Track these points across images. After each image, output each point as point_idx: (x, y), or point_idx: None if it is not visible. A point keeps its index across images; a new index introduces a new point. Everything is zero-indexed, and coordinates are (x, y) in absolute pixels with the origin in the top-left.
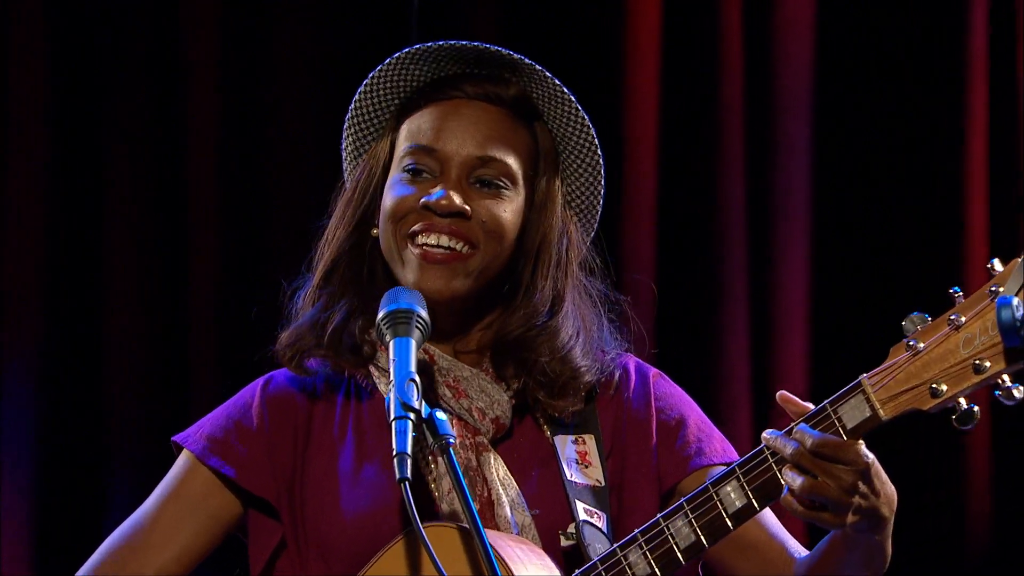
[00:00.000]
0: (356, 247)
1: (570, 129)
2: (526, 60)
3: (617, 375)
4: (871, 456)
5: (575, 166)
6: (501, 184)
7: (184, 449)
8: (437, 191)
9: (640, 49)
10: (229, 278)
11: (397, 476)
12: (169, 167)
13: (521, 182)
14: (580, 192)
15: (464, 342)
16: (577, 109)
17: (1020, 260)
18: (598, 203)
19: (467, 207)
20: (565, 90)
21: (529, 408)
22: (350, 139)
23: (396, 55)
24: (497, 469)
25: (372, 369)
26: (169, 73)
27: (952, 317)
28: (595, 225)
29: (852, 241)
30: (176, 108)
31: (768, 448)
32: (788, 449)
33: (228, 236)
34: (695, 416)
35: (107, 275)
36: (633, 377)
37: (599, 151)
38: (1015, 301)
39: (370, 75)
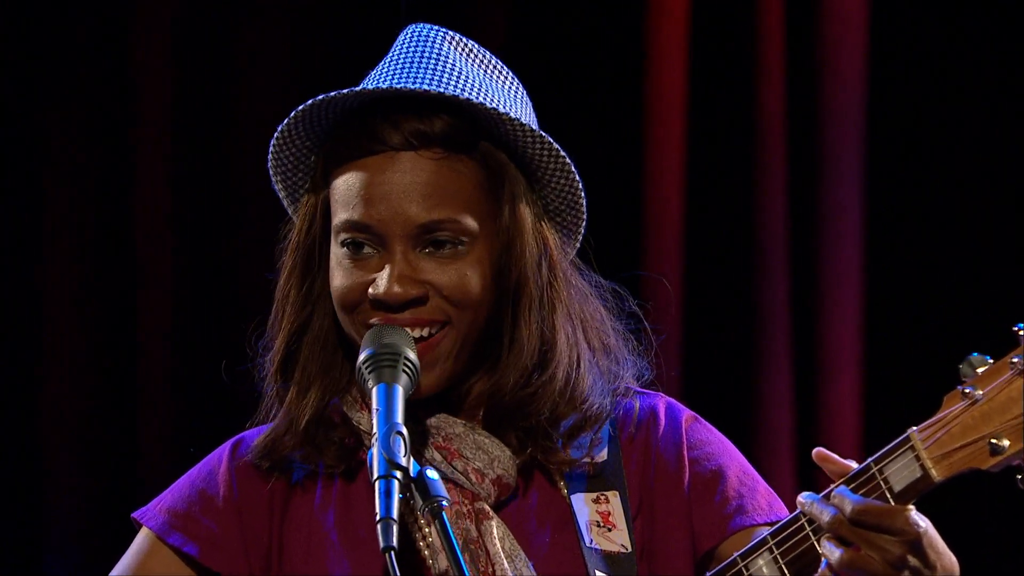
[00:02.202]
0: (309, 323)
1: (518, 138)
2: (444, 93)
3: (645, 418)
4: (924, 523)
5: (538, 166)
6: (457, 243)
7: (143, 526)
8: (383, 279)
9: (664, 47)
10: (182, 334)
11: (381, 545)
12: (114, 191)
13: (478, 225)
14: (555, 192)
15: (454, 396)
16: (514, 121)
17: None
18: (580, 198)
19: (422, 290)
20: (497, 109)
21: (538, 461)
22: (279, 185)
23: (308, 102)
24: (502, 540)
25: (359, 427)
26: (116, 85)
27: (1015, 360)
28: (583, 218)
29: (912, 268)
30: (122, 132)
31: (804, 515)
32: (825, 516)
33: (182, 265)
34: (736, 466)
35: (47, 334)
36: (663, 421)
37: (555, 146)
38: None
39: (284, 122)
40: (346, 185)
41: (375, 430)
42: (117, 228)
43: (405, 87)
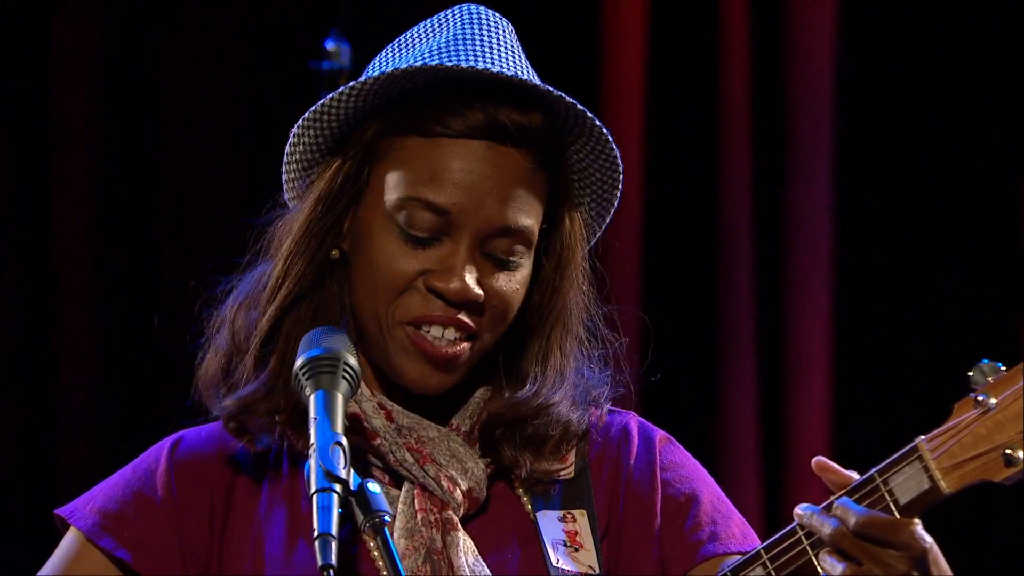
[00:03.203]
0: (308, 295)
1: (592, 155)
2: (541, 86)
3: (616, 437)
4: (929, 539)
5: (600, 183)
6: (518, 255)
7: (71, 526)
8: (459, 275)
9: (622, 35)
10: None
11: (319, 562)
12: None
13: (541, 235)
14: (599, 201)
15: (434, 401)
16: (602, 132)
17: None
18: (612, 208)
19: (480, 293)
20: (588, 114)
21: (506, 475)
22: (303, 147)
23: (384, 70)
24: (466, 553)
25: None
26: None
27: None
28: (606, 223)
29: (884, 266)
30: (41, 131)
31: (802, 527)
32: (826, 529)
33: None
34: (710, 492)
35: None
36: (635, 440)
37: (615, 150)
38: None
39: (349, 84)
40: (422, 161)
41: (313, 440)
42: (36, 231)
43: (502, 73)
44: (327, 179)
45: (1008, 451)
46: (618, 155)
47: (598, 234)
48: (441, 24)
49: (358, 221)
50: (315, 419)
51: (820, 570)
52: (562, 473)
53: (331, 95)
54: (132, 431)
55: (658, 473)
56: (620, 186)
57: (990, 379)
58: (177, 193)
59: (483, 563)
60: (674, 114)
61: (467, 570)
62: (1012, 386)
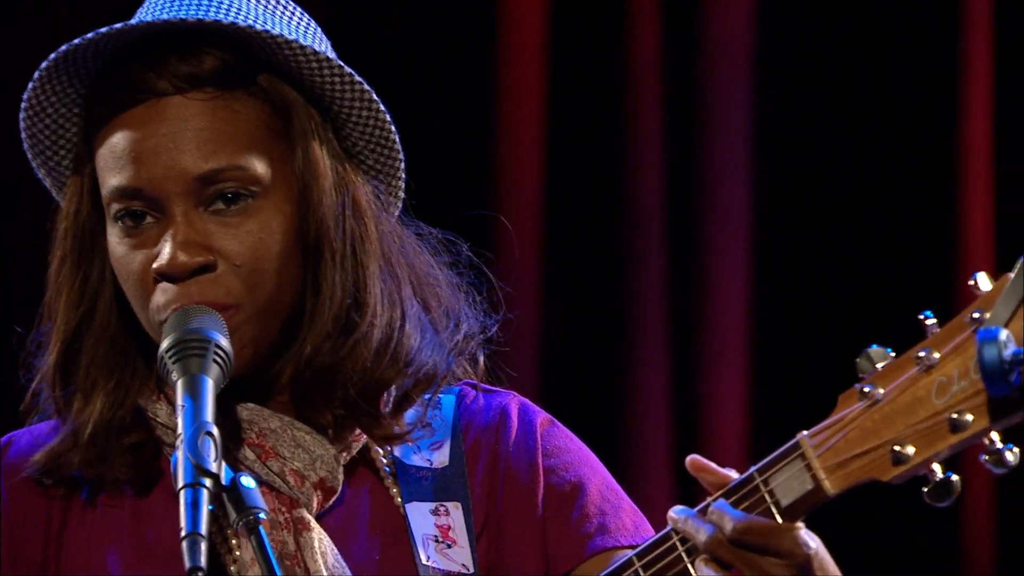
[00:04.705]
0: (90, 319)
1: (304, 67)
2: (204, 20)
3: (493, 420)
4: (814, 543)
5: (334, 99)
6: (247, 195)
7: None
8: (165, 248)
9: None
10: None
11: (187, 565)
12: None
13: (269, 171)
14: (359, 129)
15: (265, 381)
16: (292, 44)
17: (1013, 276)
18: (389, 134)
19: (208, 256)
20: (271, 32)
21: (369, 461)
22: (40, 169)
23: (51, 57)
24: (324, 554)
25: (157, 429)
26: None
27: (921, 354)
28: (398, 159)
29: (805, 243)
30: None
31: (677, 532)
32: (701, 535)
33: None
34: (598, 479)
35: None
36: (515, 424)
37: (348, 70)
38: (1003, 335)
39: (29, 86)
40: (109, 148)
41: (180, 430)
42: None
43: (158, 19)
44: (68, 194)
45: (897, 447)
46: (322, 55)
47: (394, 152)
48: None
49: (103, 238)
50: (182, 406)
51: None
52: (434, 462)
53: (23, 102)
54: None
55: (540, 460)
56: (362, 94)
57: (878, 367)
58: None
59: (344, 564)
60: (578, 76)
61: (325, 573)
62: (902, 375)
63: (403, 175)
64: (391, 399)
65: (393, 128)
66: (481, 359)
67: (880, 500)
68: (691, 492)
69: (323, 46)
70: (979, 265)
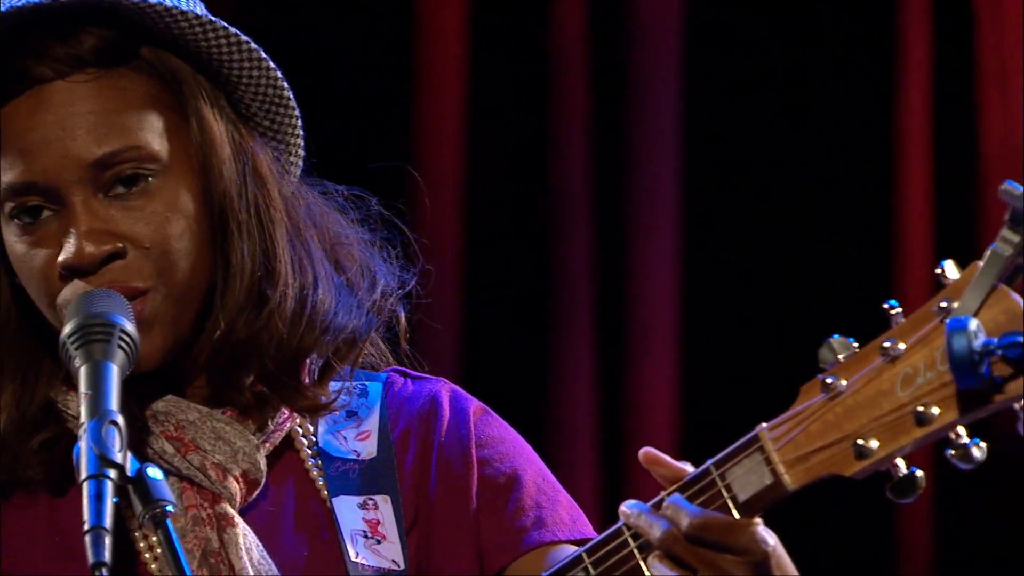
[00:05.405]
0: (13, 314)
1: (187, 33)
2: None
3: (423, 408)
4: (772, 540)
5: (222, 62)
6: (146, 175)
7: None
8: (70, 242)
9: None
10: None
11: (91, 560)
12: None
13: (167, 148)
14: (251, 91)
15: (183, 370)
16: (172, 11)
17: (983, 264)
18: (283, 92)
19: (116, 244)
20: (159, 2)
21: (294, 451)
22: None
23: None
24: (249, 550)
25: (68, 422)
26: None
27: (886, 344)
28: (295, 117)
29: (736, 236)
30: None
31: (628, 528)
32: (655, 531)
33: None
34: (534, 471)
35: None
36: (446, 412)
37: (232, 30)
38: (973, 325)
39: None
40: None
41: (84, 419)
42: None
43: (29, 3)
44: None
45: (860, 441)
46: (203, 17)
47: (290, 111)
48: None
49: None
50: (86, 394)
51: None
52: (362, 454)
53: None
54: None
55: (473, 450)
56: (250, 54)
57: (841, 357)
58: None
59: (270, 560)
60: (501, 54)
61: (251, 570)
62: (865, 366)
63: (301, 132)
64: (314, 369)
65: (286, 85)
66: (403, 315)
67: (823, 497)
68: (617, 486)
69: (199, 9)
70: (917, 255)
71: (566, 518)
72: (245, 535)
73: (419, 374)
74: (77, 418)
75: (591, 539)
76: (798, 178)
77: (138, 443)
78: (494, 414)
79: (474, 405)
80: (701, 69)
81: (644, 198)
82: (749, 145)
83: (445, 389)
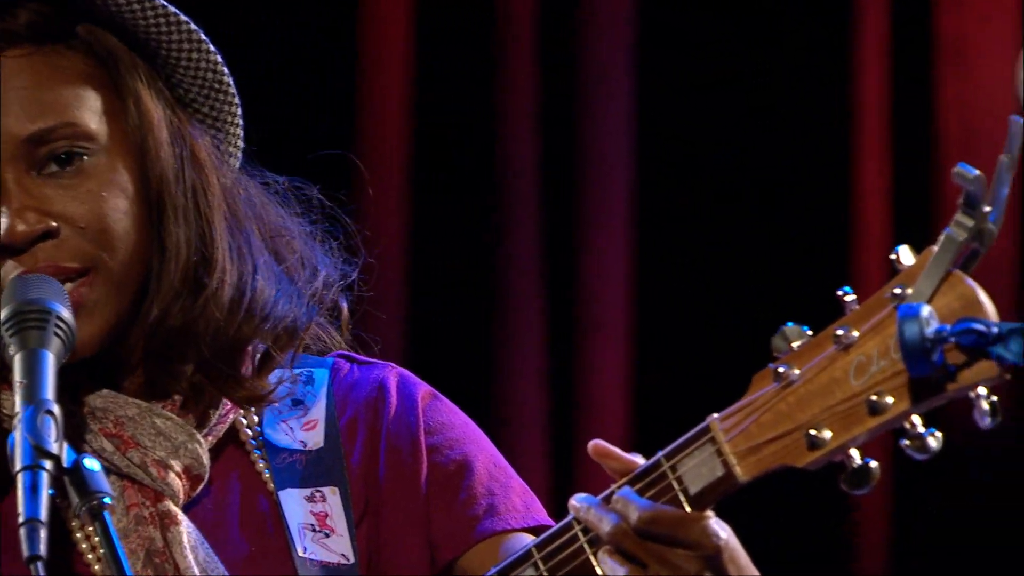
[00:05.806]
0: None
1: (122, 12)
2: None
3: (371, 395)
4: (724, 533)
5: (160, 43)
6: (80, 151)
7: None
8: (2, 219)
9: None
10: None
11: (25, 553)
12: None
13: (105, 128)
14: (190, 74)
15: (118, 361)
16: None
17: (937, 249)
18: (222, 76)
19: (49, 222)
20: None
21: (239, 444)
22: None
23: None
24: (194, 549)
25: (4, 421)
26: None
27: (839, 332)
28: (234, 103)
29: (688, 220)
30: None
31: (579, 521)
32: (605, 525)
33: None
34: (485, 456)
35: None
36: (394, 398)
37: (171, 9)
38: (925, 311)
39: None
40: None
41: (18, 408)
42: None
43: None
44: None
45: (812, 431)
46: (170, 9)
47: (229, 96)
48: None
49: None
50: (21, 383)
51: (598, 573)
52: (308, 444)
53: None
54: None
55: (423, 438)
56: (188, 35)
57: (794, 346)
58: None
59: (216, 558)
60: (448, 39)
61: (196, 569)
62: (818, 354)
63: (240, 121)
64: (254, 360)
65: (226, 71)
66: (344, 307)
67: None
68: (567, 475)
69: None
70: (873, 239)
71: (519, 505)
72: (189, 533)
73: (366, 358)
74: (11, 416)
75: (546, 525)
76: (752, 163)
77: (76, 441)
78: (444, 399)
79: (423, 390)
80: (653, 52)
81: (594, 187)
82: (702, 130)
83: (393, 374)
